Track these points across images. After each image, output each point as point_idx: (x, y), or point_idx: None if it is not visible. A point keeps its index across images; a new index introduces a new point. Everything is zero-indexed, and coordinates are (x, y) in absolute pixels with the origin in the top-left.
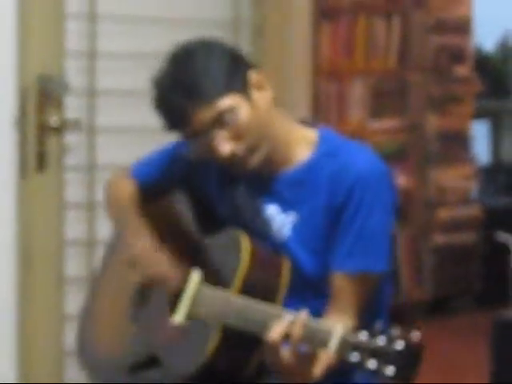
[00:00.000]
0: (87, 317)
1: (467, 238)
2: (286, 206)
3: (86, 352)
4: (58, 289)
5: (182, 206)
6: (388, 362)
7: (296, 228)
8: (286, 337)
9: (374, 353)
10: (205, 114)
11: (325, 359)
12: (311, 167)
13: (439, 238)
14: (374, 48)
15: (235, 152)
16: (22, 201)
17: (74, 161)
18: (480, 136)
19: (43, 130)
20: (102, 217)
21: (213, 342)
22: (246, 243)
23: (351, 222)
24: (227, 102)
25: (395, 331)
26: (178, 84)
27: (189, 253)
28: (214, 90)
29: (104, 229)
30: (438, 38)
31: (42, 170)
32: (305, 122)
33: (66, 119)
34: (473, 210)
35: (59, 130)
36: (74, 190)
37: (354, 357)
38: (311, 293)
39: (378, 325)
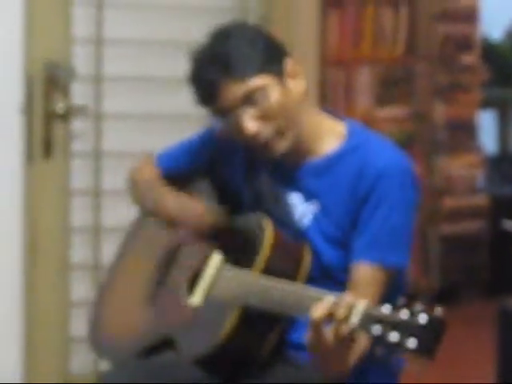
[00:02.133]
0: (101, 301)
1: (474, 226)
2: (309, 195)
3: (98, 336)
4: (63, 275)
5: (206, 192)
6: (410, 334)
7: (317, 218)
8: (330, 317)
9: (397, 326)
10: (235, 90)
11: (361, 345)
12: (337, 159)
13: (446, 227)
14: (381, 36)
15: (261, 132)
16: (29, 187)
17: (81, 147)
18: (487, 125)
19: (50, 116)
20: (108, 204)
21: (229, 323)
22: (269, 228)
23: (373, 215)
24: (259, 81)
25: (418, 306)
26: (212, 59)
27: (211, 236)
28: (247, 67)
29: (110, 216)
30: (444, 27)
31: (49, 156)
32: (332, 113)
33: (73, 106)
34: (479, 199)
35: (66, 116)
36: (80, 177)
37: (376, 330)
38: (331, 282)
39: (401, 300)
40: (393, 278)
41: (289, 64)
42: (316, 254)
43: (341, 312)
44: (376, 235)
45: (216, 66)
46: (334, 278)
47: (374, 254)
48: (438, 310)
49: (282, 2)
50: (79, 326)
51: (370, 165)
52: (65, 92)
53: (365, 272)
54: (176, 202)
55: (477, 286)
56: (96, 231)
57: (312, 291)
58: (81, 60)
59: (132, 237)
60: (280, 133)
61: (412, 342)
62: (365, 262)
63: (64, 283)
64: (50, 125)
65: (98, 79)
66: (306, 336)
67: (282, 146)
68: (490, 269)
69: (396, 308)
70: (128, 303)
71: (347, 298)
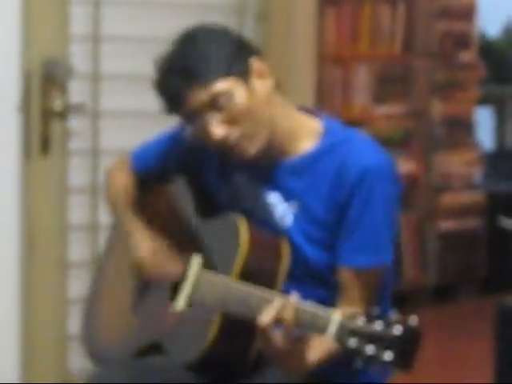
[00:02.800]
0: (92, 303)
1: (471, 223)
2: (287, 195)
3: (90, 339)
4: (61, 273)
5: (181, 193)
6: (386, 347)
7: (297, 217)
8: (279, 321)
9: (372, 338)
10: (199, 96)
11: (321, 345)
12: (315, 158)
13: (443, 224)
14: (378, 34)
15: (228, 136)
16: (26, 185)
17: (78, 145)
18: (484, 122)
19: (47, 114)
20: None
21: (213, 328)
22: (243, 228)
23: (357, 218)
24: (223, 85)
25: (392, 316)
26: (175, 66)
27: (188, 239)
28: (209, 72)
29: (107, 213)
30: (442, 24)
31: (46, 154)
32: (308, 111)
33: (70, 103)
34: (477, 196)
35: (63, 114)
36: (78, 175)
37: (353, 342)
38: (315, 282)
39: (375, 310)
40: (381, 275)
41: (255, 63)
42: (299, 254)
43: (288, 316)
44: (363, 238)
45: (178, 74)
46: (318, 277)
47: (361, 258)
48: (413, 320)
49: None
50: (77, 323)
51: (351, 165)
52: (62, 90)
53: (353, 276)
54: (141, 256)
55: (474, 283)
56: (94, 229)
57: (267, 294)
58: (78, 58)
59: (116, 235)
60: (248, 135)
61: (388, 356)
62: (353, 266)
63: (62, 281)
64: (47, 122)
65: (95, 77)
66: (258, 340)
67: (251, 148)
68: (487, 266)
69: (370, 319)
70: (117, 307)
71: (293, 299)
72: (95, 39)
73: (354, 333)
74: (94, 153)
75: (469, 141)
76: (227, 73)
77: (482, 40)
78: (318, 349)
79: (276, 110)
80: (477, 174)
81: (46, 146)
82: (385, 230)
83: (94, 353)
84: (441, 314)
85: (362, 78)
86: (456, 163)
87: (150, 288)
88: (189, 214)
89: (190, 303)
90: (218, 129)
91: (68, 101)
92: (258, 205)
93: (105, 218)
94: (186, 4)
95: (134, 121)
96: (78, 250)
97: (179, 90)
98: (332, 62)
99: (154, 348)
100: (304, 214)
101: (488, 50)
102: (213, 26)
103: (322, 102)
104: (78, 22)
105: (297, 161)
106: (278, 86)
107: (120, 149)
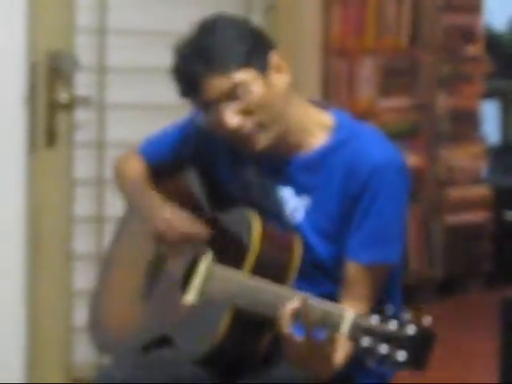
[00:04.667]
0: (99, 294)
1: (477, 217)
2: (299, 189)
3: (98, 330)
4: (66, 265)
5: (192, 184)
6: (400, 346)
7: (309, 212)
8: (296, 318)
9: (386, 337)
10: (218, 84)
11: (343, 347)
12: (327, 153)
13: (449, 218)
14: (384, 27)
15: (242, 126)
16: (32, 177)
17: (84, 137)
18: (490, 116)
19: (53, 106)
20: (111, 194)
21: (224, 323)
22: (256, 222)
23: (366, 214)
24: (242, 75)
25: (406, 315)
26: (196, 51)
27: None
28: (231, 61)
29: (113, 205)
30: (448, 18)
31: (52, 146)
32: (318, 104)
33: (76, 96)
34: (482, 190)
35: (69, 106)
36: (83, 167)
37: (366, 342)
38: (324, 277)
39: (389, 309)
40: (388, 272)
41: (274, 58)
42: (309, 249)
43: (307, 313)
44: (370, 233)
45: (199, 60)
46: (327, 273)
47: (369, 254)
48: (427, 320)
49: None
50: (82, 315)
51: (362, 160)
52: (68, 82)
53: (360, 271)
54: (165, 218)
55: (480, 277)
56: (99, 221)
57: (285, 291)
58: (84, 50)
59: (125, 226)
60: (262, 127)
61: (402, 355)
62: (360, 260)
63: (67, 273)
64: (53, 115)
65: (101, 69)
66: (282, 349)
67: (263, 140)
68: (493, 259)
69: (384, 318)
70: (125, 298)
71: (308, 297)
72: (101, 31)
73: (367, 332)
74: (100, 145)
75: (474, 134)
76: (248, 64)
77: (488, 34)
78: (342, 349)
79: (291, 105)
80: (482, 167)
81: (51, 138)
82: (394, 225)
83: (101, 343)
84: (446, 307)
85: (368, 71)
86: (462, 157)
87: (160, 280)
88: (200, 205)
89: (201, 297)
90: (232, 118)
91: (74, 93)
92: (269, 199)
93: (110, 210)
94: None
95: (140, 113)
96: (84, 242)
97: (199, 76)
98: (338, 55)
99: (163, 341)
100: (315, 208)
101: (494, 43)
102: (232, 16)
103: (328, 94)
104: (84, 14)
105: (309, 156)
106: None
107: (125, 141)
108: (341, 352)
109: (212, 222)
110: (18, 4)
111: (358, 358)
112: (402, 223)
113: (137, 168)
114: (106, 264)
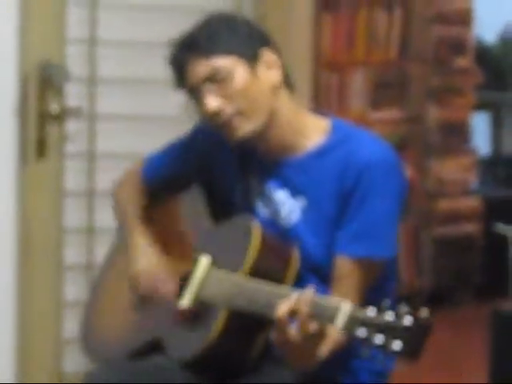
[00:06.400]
0: (92, 304)
1: (467, 229)
2: (295, 191)
3: (90, 341)
4: (57, 276)
5: (194, 199)
6: (395, 336)
7: (305, 213)
8: (293, 314)
9: (382, 328)
10: (199, 68)
11: (332, 338)
12: (322, 154)
13: (439, 230)
14: (374, 39)
15: (222, 110)
16: (22, 188)
17: (74, 148)
18: (480, 128)
19: (44, 117)
20: (102, 205)
21: (218, 324)
22: (256, 229)
23: (358, 207)
24: (224, 61)
25: (403, 307)
26: (184, 41)
27: (200, 238)
28: (214, 47)
29: (103, 217)
30: (438, 30)
31: (42, 157)
32: (317, 111)
33: (67, 107)
34: (472, 202)
35: (60, 117)
36: (74, 178)
37: (361, 332)
38: (318, 278)
39: (386, 301)
40: (380, 268)
41: (265, 54)
42: (303, 250)
43: (302, 308)
44: (360, 227)
45: (186, 46)
46: (321, 273)
47: (359, 247)
48: (424, 311)
49: (276, 5)
50: (73, 326)
51: (355, 158)
52: (59, 93)
53: (349, 265)
54: (140, 270)
55: (469, 289)
56: (89, 232)
57: (279, 289)
58: (75, 61)
59: (121, 239)
60: (242, 115)
61: (397, 345)
62: (349, 254)
63: (57, 284)
64: (43, 125)
65: (91, 80)
66: (272, 333)
67: (244, 127)
68: (482, 271)
69: (381, 310)
70: (118, 306)
71: (309, 293)
72: (92, 42)
73: (363, 323)
74: (91, 156)
75: (465, 146)
76: (231, 51)
77: (479, 46)
78: (330, 340)
79: (282, 104)
80: (473, 179)
81: (42, 149)
82: (385, 221)
83: (93, 350)
84: (436, 318)
85: (358, 83)
86: (452, 169)
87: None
88: (201, 215)
89: (196, 301)
90: (212, 100)
91: (64, 104)
92: (264, 202)
93: (101, 221)
94: (183, 8)
95: (131, 124)
96: (74, 253)
97: (183, 62)
98: (328, 68)
99: (154, 346)
100: (311, 209)
101: (484, 55)
102: (230, 14)
103: (319, 107)
104: (75, 25)
105: (304, 157)
106: (288, 84)
107: (116, 152)
108: (328, 344)
109: (211, 229)
110: (9, 15)
111: (343, 357)
112: (395, 220)
113: (132, 195)
114: (101, 274)
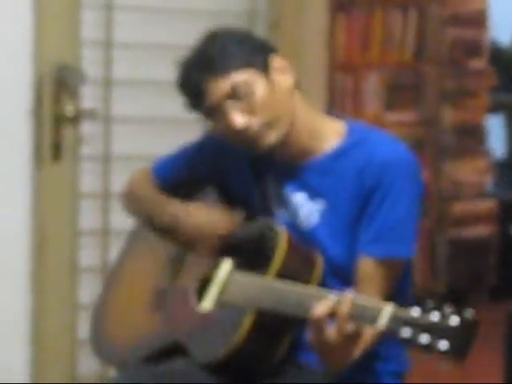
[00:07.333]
0: (103, 307)
1: (482, 231)
2: (313, 193)
3: (102, 342)
4: (71, 278)
5: (210, 202)
6: (442, 336)
7: (324, 216)
8: (333, 315)
9: (427, 328)
10: (220, 86)
11: (364, 339)
12: (339, 156)
13: (454, 232)
14: (389, 41)
15: (249, 126)
16: (37, 190)
17: (90, 151)
18: (495, 130)
19: (59, 119)
20: (117, 207)
21: (243, 327)
22: (283, 233)
23: (378, 208)
24: (243, 75)
25: (448, 308)
26: (197, 59)
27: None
28: (230, 63)
29: (118, 219)
30: (453, 31)
31: (58, 159)
32: (333, 114)
33: (82, 109)
34: (488, 204)
35: (75, 119)
36: (89, 180)
37: (406, 332)
38: (338, 280)
39: (430, 302)
40: (399, 270)
41: (275, 60)
42: (324, 252)
43: (343, 310)
44: (382, 228)
45: (200, 67)
46: (341, 275)
47: (381, 248)
48: (468, 312)
49: (291, 7)
50: (87, 328)
51: (375, 159)
52: (74, 95)
53: (371, 266)
54: (199, 216)
55: (484, 291)
56: (104, 234)
57: (315, 291)
58: (90, 63)
59: (135, 240)
60: (268, 125)
61: (443, 345)
62: (371, 255)
63: (72, 286)
64: (59, 128)
65: (107, 82)
66: (308, 334)
67: (271, 137)
68: (497, 273)
69: (426, 310)
70: (132, 308)
71: (350, 295)
72: (107, 44)
73: (407, 323)
74: (106, 158)
75: (480, 148)
76: (246, 64)
77: (494, 48)
78: (363, 342)
79: (297, 107)
80: (488, 181)
81: (57, 151)
82: (405, 222)
83: (106, 355)
84: None
85: (373, 85)
86: (467, 171)
87: (173, 291)
88: (235, 220)
89: (218, 304)
90: (238, 117)
91: (79, 106)
92: (282, 205)
93: (116, 223)
94: (198, 11)
95: (146, 127)
96: (89, 255)
97: (200, 83)
98: (343, 70)
99: (173, 349)
100: (330, 211)
101: (499, 57)
102: (233, 28)
103: (333, 109)
104: (90, 27)
105: (322, 159)
106: (298, 86)
107: (131, 154)
108: (361, 346)
109: (234, 233)
110: (25, 17)
111: (366, 359)
112: (415, 220)
113: (149, 188)
114: (112, 277)
